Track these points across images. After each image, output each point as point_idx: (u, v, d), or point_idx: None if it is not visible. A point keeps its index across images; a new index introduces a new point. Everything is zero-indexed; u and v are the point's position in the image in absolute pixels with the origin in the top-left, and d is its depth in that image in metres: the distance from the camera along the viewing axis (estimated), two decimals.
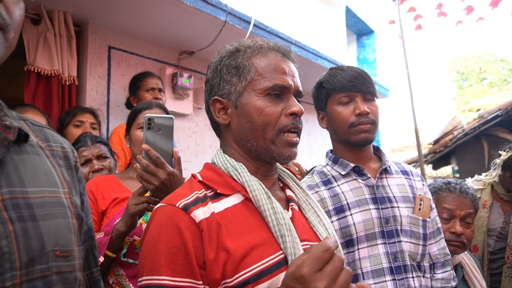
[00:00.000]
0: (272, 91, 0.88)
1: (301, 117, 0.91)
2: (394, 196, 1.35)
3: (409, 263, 1.28)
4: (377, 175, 1.38)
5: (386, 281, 1.25)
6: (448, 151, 5.59)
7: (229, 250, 0.76)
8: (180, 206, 0.79)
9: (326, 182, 1.39)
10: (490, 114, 5.01)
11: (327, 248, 0.61)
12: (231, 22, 3.15)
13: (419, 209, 1.36)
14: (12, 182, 0.64)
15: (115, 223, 1.35)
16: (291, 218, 0.88)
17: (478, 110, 6.38)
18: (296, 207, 0.93)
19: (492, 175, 2.38)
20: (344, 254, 1.26)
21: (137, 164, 1.19)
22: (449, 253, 1.43)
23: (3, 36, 0.61)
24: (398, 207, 1.33)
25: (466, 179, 2.60)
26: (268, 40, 0.95)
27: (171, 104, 3.42)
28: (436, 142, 5.84)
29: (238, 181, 0.87)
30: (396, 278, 1.26)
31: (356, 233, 1.28)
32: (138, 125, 1.60)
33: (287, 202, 0.94)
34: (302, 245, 0.83)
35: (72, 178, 0.78)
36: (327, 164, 1.46)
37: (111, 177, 1.63)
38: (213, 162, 0.94)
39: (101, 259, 1.30)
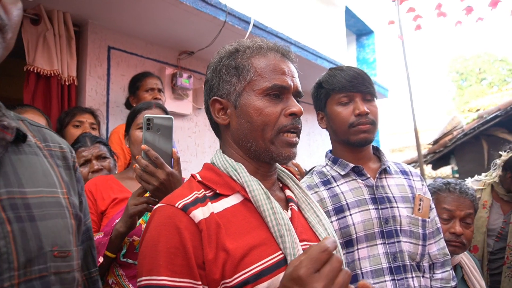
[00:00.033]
0: (272, 91, 0.87)
1: (301, 117, 0.91)
2: (393, 196, 1.35)
3: (408, 263, 1.28)
4: (377, 175, 1.38)
5: (385, 281, 1.25)
6: (447, 151, 5.59)
7: (228, 250, 0.76)
8: (179, 207, 0.79)
9: (326, 182, 1.39)
10: (489, 114, 5.01)
11: (325, 249, 0.61)
12: (230, 23, 3.15)
13: (419, 209, 1.36)
14: (10, 183, 0.64)
15: (114, 223, 1.35)
16: (291, 218, 0.88)
17: (478, 110, 6.38)
18: (295, 207, 0.93)
19: (492, 175, 2.38)
20: (343, 254, 1.26)
21: (136, 165, 1.19)
22: (448, 253, 1.43)
23: (1, 36, 0.61)
24: (397, 207, 1.33)
25: (466, 179, 2.60)
26: (267, 41, 0.95)
27: (170, 104, 3.42)
28: (435, 142, 5.84)
29: (237, 181, 0.87)
30: (396, 278, 1.26)
31: (356, 233, 1.28)
32: (137, 125, 1.60)
33: (286, 202, 0.94)
34: (302, 245, 0.83)
35: (71, 178, 0.78)
36: (327, 164, 1.46)
37: (110, 177, 1.63)
38: (213, 163, 0.94)
39: (101, 259, 1.30)
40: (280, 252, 0.80)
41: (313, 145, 5.49)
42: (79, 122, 2.34)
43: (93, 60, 3.05)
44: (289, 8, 4.89)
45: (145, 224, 1.24)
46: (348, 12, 6.56)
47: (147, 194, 1.26)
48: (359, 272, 1.27)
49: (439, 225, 1.44)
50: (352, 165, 1.38)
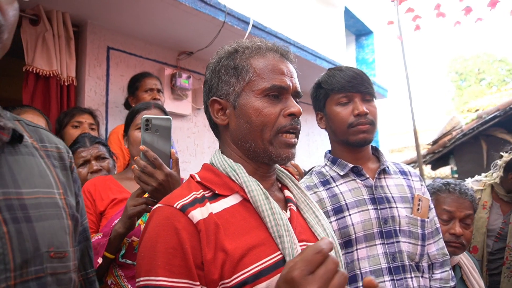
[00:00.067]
0: (271, 91, 0.87)
1: (300, 118, 0.91)
2: (392, 197, 1.35)
3: (407, 263, 1.28)
4: (376, 176, 1.38)
5: (384, 281, 1.25)
6: (446, 151, 5.60)
7: (227, 250, 0.76)
8: (177, 207, 0.79)
9: (325, 183, 1.39)
10: (488, 115, 5.02)
11: (319, 250, 0.58)
12: (229, 23, 3.15)
13: (418, 210, 1.36)
14: (6, 183, 0.64)
15: (113, 224, 1.35)
16: (289, 219, 0.88)
17: (477, 110, 6.39)
18: (294, 208, 0.93)
19: (492, 176, 2.38)
20: (342, 254, 1.26)
21: (135, 166, 1.19)
22: (447, 253, 1.43)
23: None
24: (396, 207, 1.33)
25: (466, 179, 2.60)
26: (266, 41, 0.95)
27: (170, 104, 3.42)
28: (434, 142, 5.85)
29: (236, 181, 0.87)
30: (395, 278, 1.26)
31: (355, 233, 1.28)
32: (136, 126, 1.60)
33: (285, 203, 0.94)
34: (300, 246, 0.83)
35: (67, 179, 0.78)
36: (326, 164, 1.46)
37: (109, 178, 1.63)
38: (212, 163, 0.94)
39: (100, 260, 1.30)
40: (279, 252, 0.80)
41: (312, 146, 5.49)
42: (78, 123, 2.34)
43: (92, 61, 3.05)
44: (288, 9, 4.89)
45: (144, 225, 1.24)
46: (347, 13, 6.56)
47: (146, 195, 1.25)
48: (358, 272, 1.27)
49: (438, 225, 1.45)
50: (351, 165, 1.38)
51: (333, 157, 1.44)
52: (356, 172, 1.39)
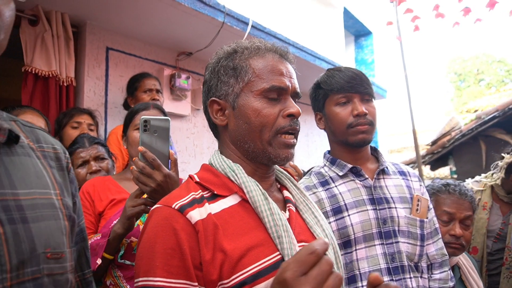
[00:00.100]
0: (270, 92, 0.87)
1: (299, 118, 0.91)
2: (391, 197, 1.35)
3: (406, 264, 1.28)
4: (375, 176, 1.38)
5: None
6: (445, 152, 5.60)
7: (226, 251, 0.76)
8: (176, 207, 0.79)
9: (324, 183, 1.39)
10: (487, 115, 5.03)
11: (313, 251, 0.57)
12: (229, 23, 3.15)
13: (417, 210, 1.36)
14: (2, 184, 0.63)
15: (112, 224, 1.35)
16: (288, 219, 0.88)
17: (476, 111, 6.40)
18: (293, 208, 0.93)
19: (493, 177, 2.37)
20: (342, 255, 1.26)
21: (133, 166, 1.19)
22: (446, 253, 1.43)
23: None
24: (395, 207, 1.33)
25: (466, 180, 2.60)
26: (265, 41, 0.95)
27: (169, 105, 3.42)
28: (434, 143, 5.85)
29: (235, 182, 0.87)
30: (394, 278, 1.26)
31: (354, 234, 1.28)
32: (135, 126, 1.60)
33: (284, 203, 0.94)
34: (299, 246, 0.83)
35: (64, 180, 0.78)
36: (325, 165, 1.46)
37: (108, 178, 1.62)
38: (211, 163, 0.94)
39: (99, 261, 1.29)
40: (278, 253, 0.80)
41: (311, 146, 5.50)
42: (77, 123, 2.34)
43: (91, 61, 3.04)
44: (287, 9, 4.90)
45: (143, 225, 1.24)
46: (347, 13, 6.57)
47: (144, 196, 1.25)
48: (357, 272, 1.27)
49: (437, 225, 1.45)
50: (350, 165, 1.38)
51: (332, 158, 1.44)
52: (355, 172, 1.39)
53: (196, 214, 0.78)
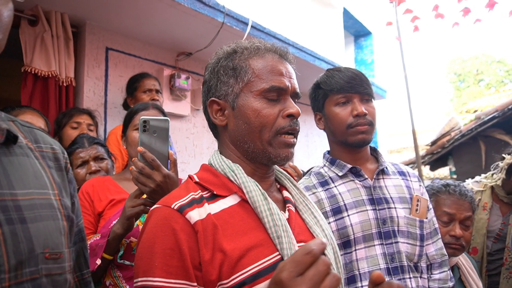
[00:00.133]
0: (269, 92, 0.87)
1: (299, 119, 0.91)
2: (391, 197, 1.35)
3: (406, 264, 1.28)
4: (374, 176, 1.38)
5: None
6: (445, 152, 5.60)
7: (225, 251, 0.76)
8: (175, 208, 0.79)
9: (323, 183, 1.39)
10: (487, 116, 5.02)
11: (309, 251, 0.56)
12: (228, 24, 3.15)
13: (416, 210, 1.36)
14: (0, 185, 0.63)
15: (111, 225, 1.35)
16: (288, 220, 0.88)
17: (475, 111, 6.40)
18: (292, 208, 0.93)
19: (493, 177, 2.37)
20: (341, 255, 1.26)
21: (133, 167, 1.19)
22: (446, 253, 1.43)
23: None
24: (395, 208, 1.33)
25: (466, 180, 2.60)
26: (265, 42, 0.95)
27: (168, 105, 3.41)
28: (433, 143, 5.85)
29: (234, 182, 0.87)
30: (394, 279, 1.26)
31: (353, 234, 1.28)
32: (134, 126, 1.60)
33: (284, 204, 0.94)
34: (299, 246, 0.83)
35: (62, 180, 0.78)
36: (324, 165, 1.46)
37: (107, 179, 1.62)
38: (210, 163, 0.94)
39: (98, 261, 1.29)
40: (277, 253, 0.80)
41: (311, 146, 5.50)
42: (77, 123, 2.33)
43: (91, 61, 3.04)
44: (287, 10, 4.90)
45: (142, 226, 1.24)
46: (346, 14, 6.57)
47: (144, 196, 1.25)
48: (357, 273, 1.27)
49: (436, 225, 1.45)
50: (349, 166, 1.38)
51: (332, 158, 1.44)
52: (355, 172, 1.39)
53: (195, 214, 0.78)
